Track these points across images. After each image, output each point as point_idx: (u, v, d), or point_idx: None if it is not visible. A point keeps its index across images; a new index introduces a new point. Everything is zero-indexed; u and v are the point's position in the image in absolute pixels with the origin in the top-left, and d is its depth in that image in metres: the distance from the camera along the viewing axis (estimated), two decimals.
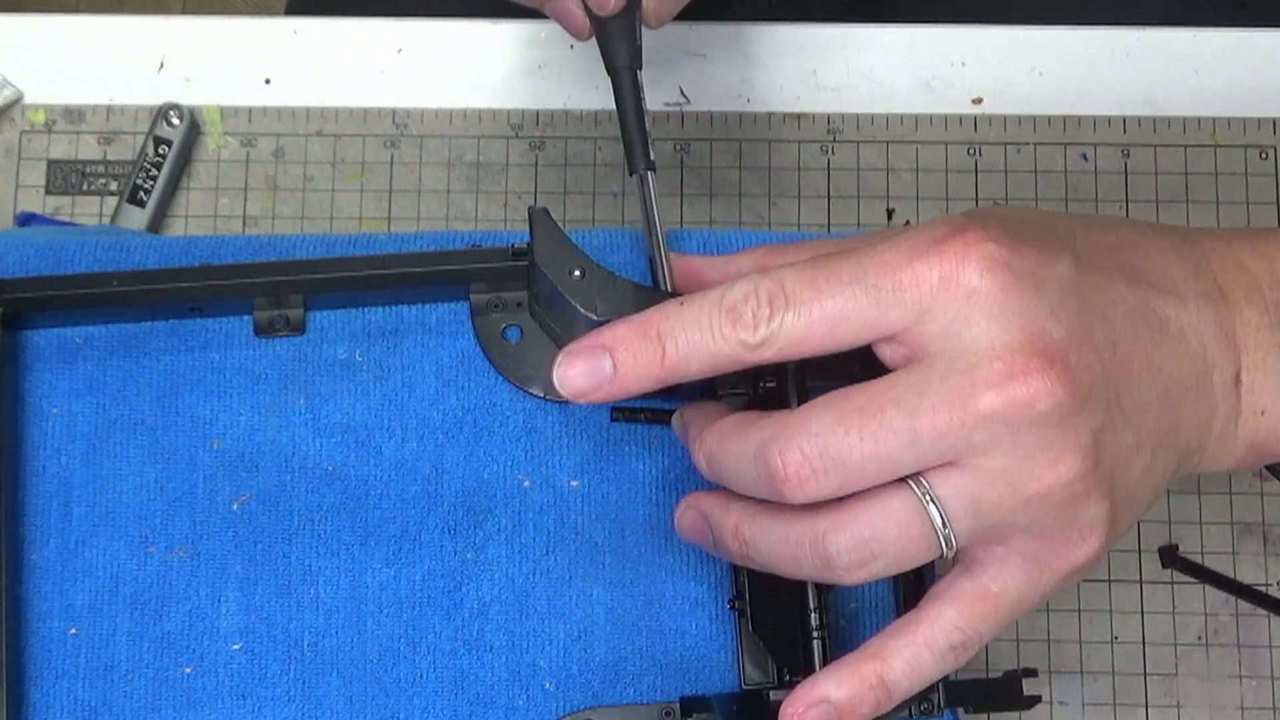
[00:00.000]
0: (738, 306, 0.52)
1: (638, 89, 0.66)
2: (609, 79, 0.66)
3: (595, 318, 0.57)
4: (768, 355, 0.52)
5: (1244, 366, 0.55)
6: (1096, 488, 0.52)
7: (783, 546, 0.54)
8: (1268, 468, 0.59)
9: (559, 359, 0.55)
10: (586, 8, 0.66)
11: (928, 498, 0.51)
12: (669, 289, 0.62)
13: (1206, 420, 0.55)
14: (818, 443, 0.51)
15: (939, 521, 0.51)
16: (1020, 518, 0.52)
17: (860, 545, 0.52)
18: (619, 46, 0.66)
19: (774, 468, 0.51)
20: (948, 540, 0.52)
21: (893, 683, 0.54)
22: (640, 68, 0.66)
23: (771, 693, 0.60)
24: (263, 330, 0.63)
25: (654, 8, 0.67)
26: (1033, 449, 0.50)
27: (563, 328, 0.61)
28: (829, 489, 0.51)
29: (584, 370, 0.54)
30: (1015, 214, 0.54)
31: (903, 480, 0.52)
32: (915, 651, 0.54)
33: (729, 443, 0.54)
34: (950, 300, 0.50)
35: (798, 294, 0.51)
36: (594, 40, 0.68)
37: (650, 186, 0.64)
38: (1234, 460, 0.57)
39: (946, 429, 0.50)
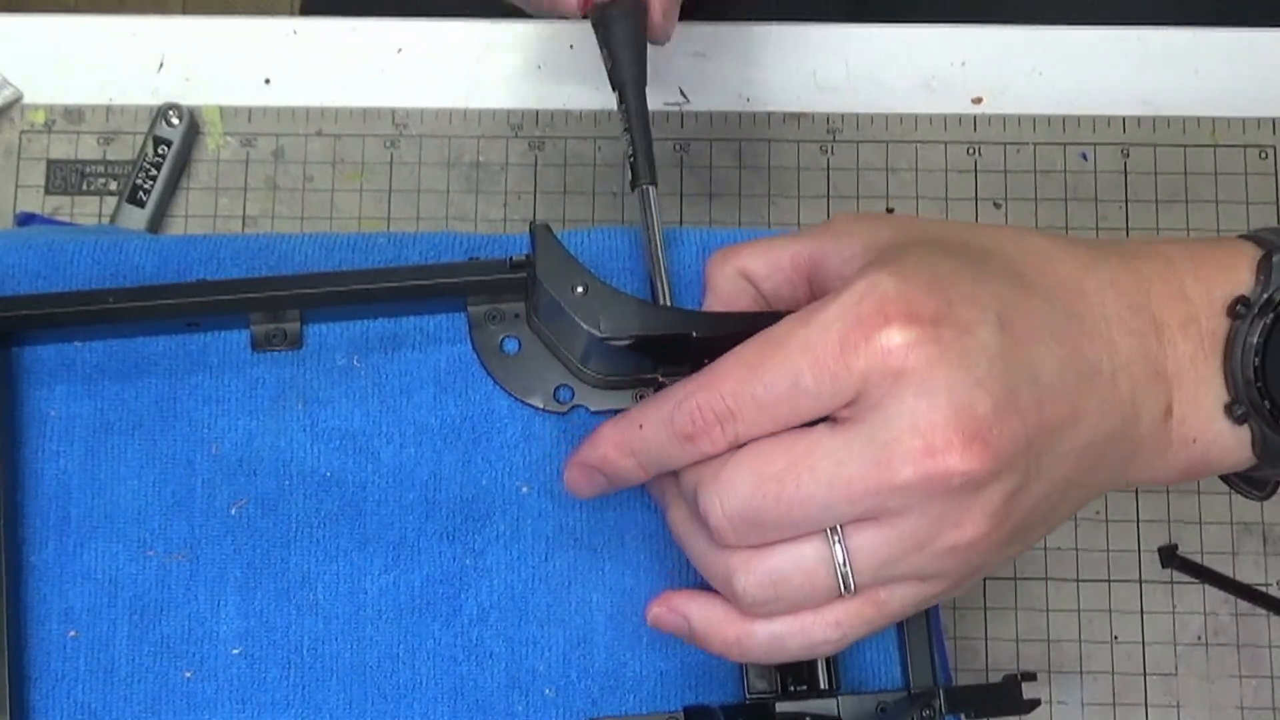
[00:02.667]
0: (686, 429, 0.54)
1: (644, 104, 0.66)
2: (610, 87, 0.67)
3: (598, 334, 0.57)
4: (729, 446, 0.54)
5: (1175, 400, 0.56)
6: (998, 540, 0.53)
7: (702, 564, 0.56)
8: (1220, 477, 0.60)
9: (568, 468, 0.59)
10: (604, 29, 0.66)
11: (838, 546, 0.53)
12: (667, 303, 0.62)
13: (1130, 458, 0.56)
14: (736, 503, 0.53)
15: (845, 569, 0.53)
16: (921, 567, 0.54)
17: (765, 587, 0.54)
18: (626, 61, 0.66)
19: (702, 514, 0.54)
20: (848, 586, 0.54)
21: (748, 648, 0.56)
22: (645, 82, 0.66)
23: (777, 703, 0.60)
24: (259, 344, 0.63)
25: (659, 21, 0.68)
26: (945, 512, 0.52)
27: (564, 342, 0.61)
28: (748, 541, 0.54)
29: (586, 483, 0.59)
30: (944, 257, 0.54)
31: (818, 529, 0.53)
32: (787, 631, 0.55)
33: (676, 483, 0.58)
34: (880, 379, 0.51)
35: (739, 407, 0.53)
36: (594, 40, 0.68)
37: (652, 201, 0.64)
38: (1166, 480, 0.59)
39: (861, 496, 0.52)
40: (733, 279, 0.61)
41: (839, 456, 0.52)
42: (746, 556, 0.54)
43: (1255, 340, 0.56)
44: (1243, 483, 0.60)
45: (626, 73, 0.66)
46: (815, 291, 0.59)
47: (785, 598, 0.54)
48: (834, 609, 0.54)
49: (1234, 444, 0.57)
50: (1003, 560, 0.56)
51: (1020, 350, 0.52)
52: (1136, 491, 0.78)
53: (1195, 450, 0.57)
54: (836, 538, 0.53)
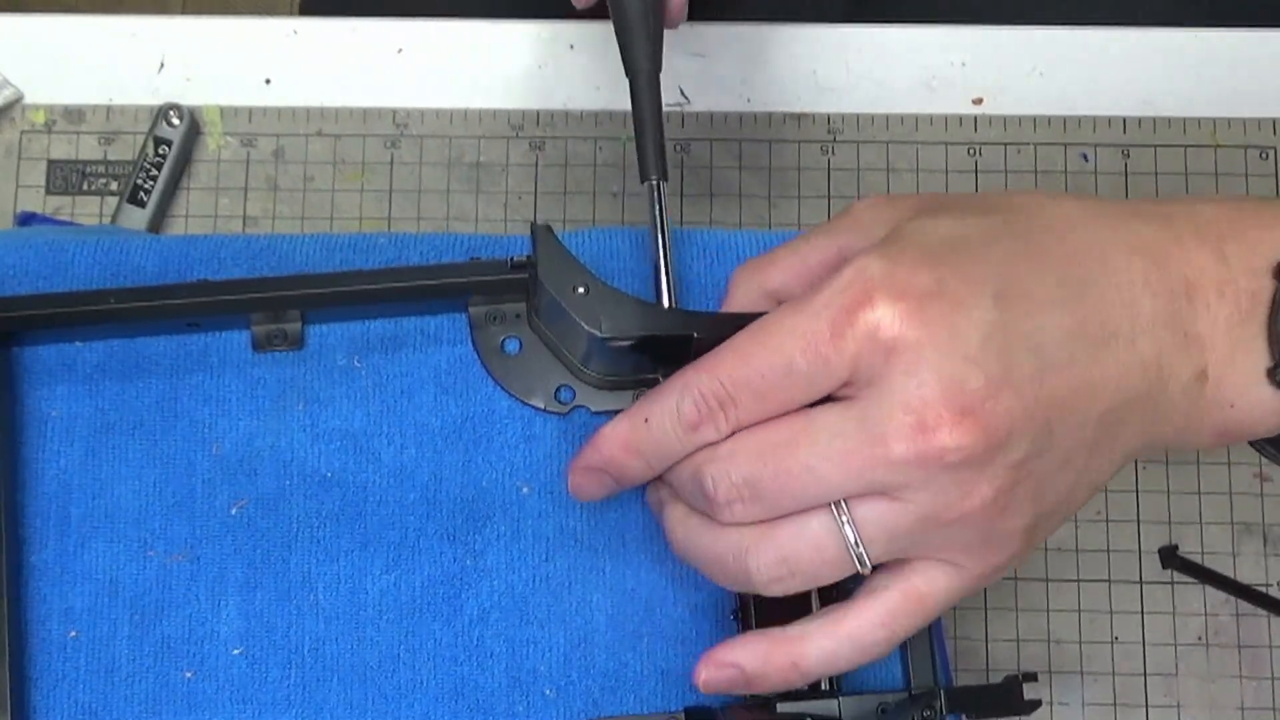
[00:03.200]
0: (691, 418, 0.55)
1: (657, 93, 0.65)
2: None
3: (599, 334, 0.57)
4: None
5: (1210, 363, 0.55)
6: (1013, 506, 0.53)
7: (711, 555, 0.56)
8: (1250, 443, 0.59)
9: (571, 473, 0.59)
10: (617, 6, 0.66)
11: (845, 521, 0.53)
12: (672, 303, 0.62)
13: (1159, 422, 0.55)
14: (742, 472, 0.54)
15: (854, 544, 0.53)
16: (937, 539, 0.54)
17: (778, 563, 0.54)
18: (641, 48, 0.65)
19: (706, 490, 0.54)
20: (861, 560, 0.54)
21: (806, 669, 0.56)
22: (660, 70, 0.66)
23: (778, 704, 0.60)
24: (260, 345, 0.63)
25: (677, 5, 0.68)
26: (947, 486, 0.52)
27: (565, 342, 0.61)
28: (754, 514, 0.54)
29: (592, 486, 0.59)
30: (947, 233, 0.54)
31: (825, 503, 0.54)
32: (836, 643, 0.56)
33: (675, 465, 0.58)
34: (872, 357, 0.51)
35: (738, 393, 0.54)
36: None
37: (661, 195, 0.64)
38: (1198, 446, 0.58)
39: (858, 470, 0.52)
40: (761, 304, 0.61)
41: (835, 430, 0.52)
42: (756, 535, 0.54)
43: None
44: (1273, 448, 0.60)
45: (640, 61, 0.66)
46: None
47: (799, 572, 0.54)
48: (875, 608, 0.55)
49: (1274, 409, 0.56)
50: (1036, 539, 0.55)
51: (1020, 323, 0.52)
52: (1137, 492, 0.78)
53: (1231, 415, 0.56)
54: (843, 514, 0.53)
